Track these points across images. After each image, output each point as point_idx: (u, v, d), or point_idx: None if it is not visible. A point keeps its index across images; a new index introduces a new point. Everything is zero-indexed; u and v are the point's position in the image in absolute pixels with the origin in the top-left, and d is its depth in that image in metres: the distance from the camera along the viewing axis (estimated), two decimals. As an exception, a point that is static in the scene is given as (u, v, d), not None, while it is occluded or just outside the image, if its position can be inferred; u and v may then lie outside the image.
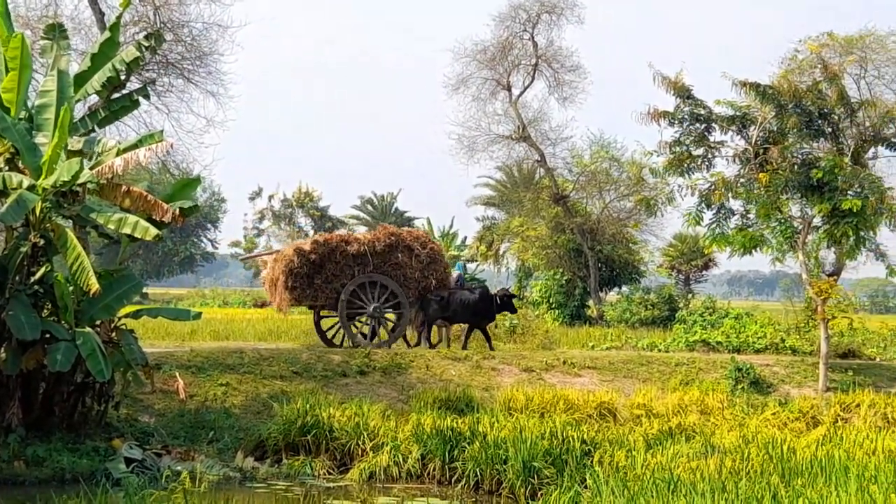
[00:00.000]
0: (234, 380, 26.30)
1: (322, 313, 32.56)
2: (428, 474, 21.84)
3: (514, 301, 33.94)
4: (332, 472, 22.31)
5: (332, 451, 22.75)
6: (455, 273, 34.33)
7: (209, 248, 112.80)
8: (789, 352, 33.56)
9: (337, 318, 31.59)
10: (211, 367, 26.81)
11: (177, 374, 24.65)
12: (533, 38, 54.72)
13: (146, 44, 25.66)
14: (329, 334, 32.49)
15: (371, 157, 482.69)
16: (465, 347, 31.95)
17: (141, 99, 26.88)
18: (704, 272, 73.94)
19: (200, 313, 26.08)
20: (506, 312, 33.36)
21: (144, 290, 74.54)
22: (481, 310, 31.71)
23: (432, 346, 31.96)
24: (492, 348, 31.84)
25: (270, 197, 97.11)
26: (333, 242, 30.77)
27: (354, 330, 31.27)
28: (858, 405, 25.87)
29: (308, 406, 23.52)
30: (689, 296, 62.15)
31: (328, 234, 32.23)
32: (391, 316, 31.84)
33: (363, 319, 31.56)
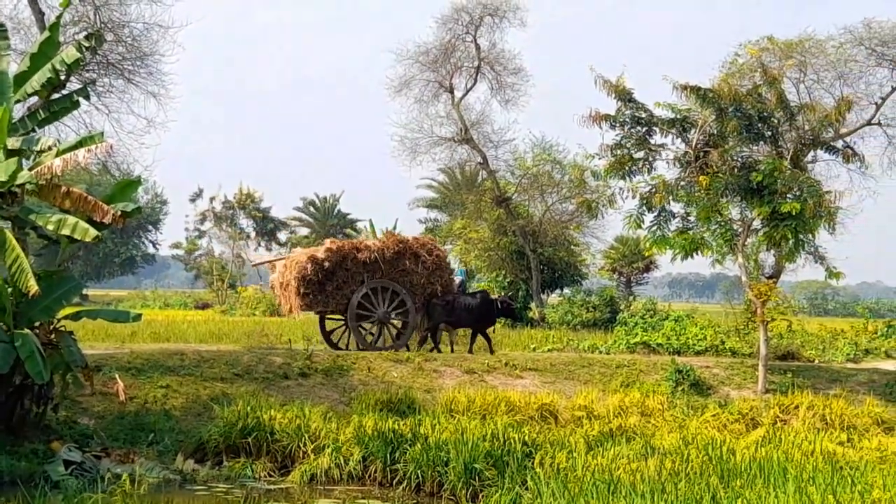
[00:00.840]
0: (174, 382, 26.14)
1: (327, 316, 33.13)
2: (369, 476, 21.81)
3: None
4: (272, 474, 22.23)
5: (273, 454, 22.67)
6: (457, 279, 34.78)
7: (150, 250, 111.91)
8: (729, 354, 33.82)
9: (341, 322, 32.61)
10: (151, 369, 26.64)
11: (117, 376, 24.46)
12: (475, 40, 54.70)
13: (87, 44, 25.43)
14: (334, 338, 33.37)
15: (314, 158, 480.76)
16: (470, 351, 32.58)
17: (81, 99, 26.64)
18: (646, 274, 74.14)
19: (140, 315, 25.86)
20: (505, 317, 34.22)
21: (84, 291, 74.08)
22: (483, 314, 32.43)
23: (439, 350, 32.42)
24: (492, 351, 32.24)
25: (212, 199, 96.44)
26: (345, 249, 31.37)
27: (363, 332, 31.99)
28: (797, 407, 26.09)
29: (249, 408, 23.43)
30: (631, 298, 62.44)
31: (339, 241, 32.83)
32: (397, 322, 32.61)
33: (369, 324, 32.15)
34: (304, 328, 40.75)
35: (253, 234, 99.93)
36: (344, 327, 32.82)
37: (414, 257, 31.61)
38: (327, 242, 31.95)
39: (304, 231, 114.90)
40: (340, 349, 31.94)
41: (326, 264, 30.81)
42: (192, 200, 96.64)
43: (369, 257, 31.10)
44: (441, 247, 32.72)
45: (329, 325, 33.49)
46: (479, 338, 32.95)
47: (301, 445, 22.56)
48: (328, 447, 22.23)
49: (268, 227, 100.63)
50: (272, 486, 21.52)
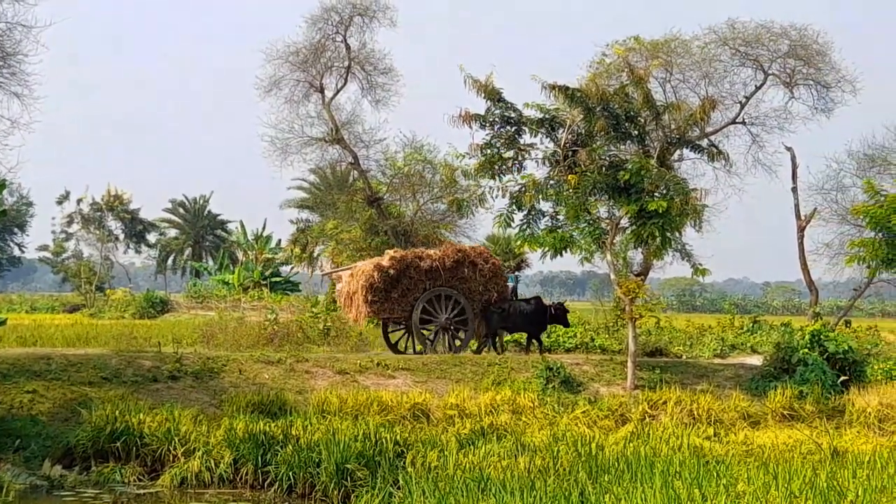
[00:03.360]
0: (41, 386, 25.62)
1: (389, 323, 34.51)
2: (240, 479, 21.63)
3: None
4: (142, 478, 21.91)
5: (143, 458, 22.36)
6: (510, 285, 35.45)
7: (16, 253, 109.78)
8: (599, 351, 34.20)
9: (402, 328, 34.37)
10: (17, 374, 26.11)
11: (-21, 381, 23.97)
12: (346, 40, 54.63)
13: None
14: (392, 339, 34.80)
15: (182, 158, 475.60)
16: (527, 352, 33.38)
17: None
18: (517, 273, 74.68)
19: (6, 319, 25.46)
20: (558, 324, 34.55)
21: (-53, 295, 72.51)
22: (537, 320, 33.27)
23: (502, 353, 33.00)
24: (542, 353, 32.45)
25: (79, 200, 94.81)
26: (409, 258, 32.59)
27: (427, 333, 33.33)
28: (665, 402, 26.47)
29: (117, 412, 23.07)
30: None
31: (403, 250, 33.88)
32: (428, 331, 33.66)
33: (431, 328, 33.53)
34: (174, 331, 40.32)
35: (121, 236, 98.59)
36: (405, 333, 34.32)
37: (472, 265, 32.77)
38: (391, 252, 33.06)
39: (174, 232, 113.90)
40: (401, 352, 33.32)
41: (392, 272, 32.07)
42: (59, 203, 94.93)
43: (431, 266, 32.24)
44: (495, 256, 33.68)
45: (391, 331, 34.96)
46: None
47: (171, 449, 22.28)
48: (199, 450, 21.99)
49: (136, 229, 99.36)
50: (142, 491, 21.23)
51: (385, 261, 32.23)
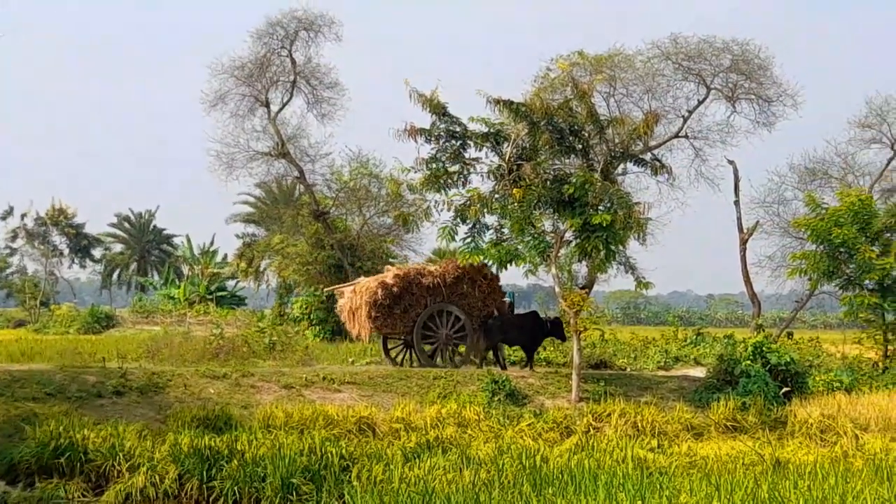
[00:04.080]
0: (-17, 403, 25.46)
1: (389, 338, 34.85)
2: (186, 494, 21.49)
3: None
4: (86, 494, 21.72)
5: (87, 473, 22.16)
6: (506, 300, 35.54)
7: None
8: (544, 363, 34.37)
9: (400, 343, 34.77)
10: (-41, 390, 25.91)
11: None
12: (291, 54, 54.65)
13: None
14: (392, 354, 35.09)
15: (129, 173, 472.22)
16: (531, 368, 33.33)
17: None
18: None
19: (-53, 335, 25.21)
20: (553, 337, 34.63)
21: None
22: (534, 334, 33.46)
23: (504, 367, 33.31)
24: (532, 369, 33.19)
25: (23, 215, 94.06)
26: (411, 275, 33.07)
27: (427, 348, 33.52)
28: (610, 414, 26.60)
29: (62, 428, 22.90)
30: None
31: (405, 267, 34.43)
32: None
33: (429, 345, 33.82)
34: (119, 346, 40.13)
35: (66, 251, 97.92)
36: (403, 347, 34.73)
37: (471, 282, 33.13)
38: (394, 269, 33.52)
39: (119, 247, 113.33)
40: (399, 365, 33.69)
41: (395, 289, 32.38)
42: (3, 218, 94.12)
43: (432, 282, 32.51)
44: (493, 273, 33.50)
45: (391, 347, 35.30)
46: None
47: (115, 465, 22.10)
48: (143, 466, 21.81)
49: (81, 244, 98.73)
50: (86, 507, 21.12)
51: (389, 278, 32.59)
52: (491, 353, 33.62)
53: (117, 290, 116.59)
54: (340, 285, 38.24)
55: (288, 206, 67.33)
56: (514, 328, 33.20)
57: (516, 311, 36.69)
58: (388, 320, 32.48)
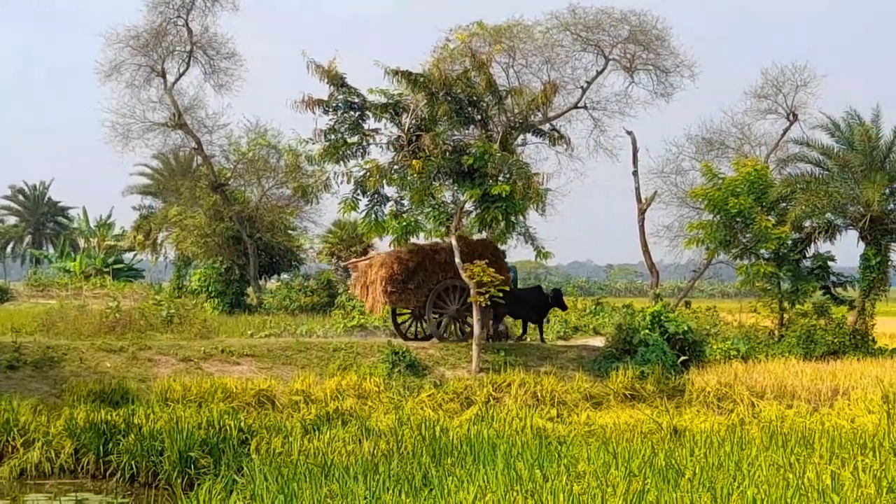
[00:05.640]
0: None
1: (398, 311, 34.45)
2: (82, 468, 21.29)
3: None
4: (-22, 471, 21.44)
5: (-20, 450, 21.89)
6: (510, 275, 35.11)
7: None
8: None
9: (408, 315, 34.41)
10: None
11: None
12: (188, 24, 54.09)
13: None
14: (403, 328, 34.47)
15: (21, 143, 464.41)
16: (541, 339, 34.61)
17: None
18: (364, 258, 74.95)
19: None
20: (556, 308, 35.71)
21: None
22: (538, 306, 34.09)
23: (508, 338, 34.50)
24: (543, 340, 34.51)
25: None
26: (426, 251, 32.62)
27: (443, 321, 33.06)
28: (510, 384, 26.79)
29: (-47, 404, 22.56)
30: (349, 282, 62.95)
31: (420, 243, 33.27)
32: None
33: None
34: (13, 320, 39.51)
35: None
36: (411, 319, 34.39)
37: (480, 258, 31.98)
38: (409, 245, 32.71)
39: (13, 220, 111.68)
40: (410, 339, 33.27)
41: (411, 264, 32.03)
42: None
43: (445, 258, 31.79)
44: (499, 249, 33.04)
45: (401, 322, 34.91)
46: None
47: (10, 440, 21.84)
48: (38, 441, 21.58)
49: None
50: (-22, 483, 20.77)
51: (404, 253, 32.31)
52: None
53: (11, 263, 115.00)
54: (355, 259, 38.39)
55: (186, 177, 66.67)
56: (520, 302, 33.44)
57: None
58: (402, 295, 32.27)
